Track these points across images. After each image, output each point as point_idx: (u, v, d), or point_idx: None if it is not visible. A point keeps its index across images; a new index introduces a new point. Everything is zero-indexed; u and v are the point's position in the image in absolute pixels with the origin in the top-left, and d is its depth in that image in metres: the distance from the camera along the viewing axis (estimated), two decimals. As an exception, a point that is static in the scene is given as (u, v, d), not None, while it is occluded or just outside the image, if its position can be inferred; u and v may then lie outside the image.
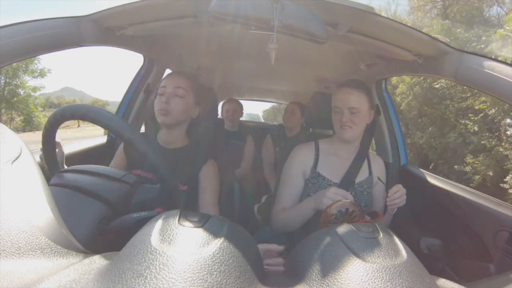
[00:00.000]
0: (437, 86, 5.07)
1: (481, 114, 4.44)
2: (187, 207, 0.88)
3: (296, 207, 0.90)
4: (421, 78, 5.35)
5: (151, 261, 0.28)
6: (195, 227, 0.34)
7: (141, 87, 1.39)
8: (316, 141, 1.00)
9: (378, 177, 0.95)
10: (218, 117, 1.86)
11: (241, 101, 2.19)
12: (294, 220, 0.88)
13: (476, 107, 4.45)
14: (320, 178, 0.92)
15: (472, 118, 4.54)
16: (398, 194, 0.80)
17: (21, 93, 11.40)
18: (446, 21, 5.65)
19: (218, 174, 0.95)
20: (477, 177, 4.38)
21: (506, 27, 3.84)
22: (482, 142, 4.36)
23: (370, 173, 0.97)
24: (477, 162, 4.38)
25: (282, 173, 0.99)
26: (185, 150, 0.94)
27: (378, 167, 1.00)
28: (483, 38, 4.67)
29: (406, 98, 5.72)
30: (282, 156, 1.05)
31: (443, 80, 4.84)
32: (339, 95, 0.92)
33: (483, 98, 4.33)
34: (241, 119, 2.19)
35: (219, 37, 1.16)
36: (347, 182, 0.92)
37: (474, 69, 0.77)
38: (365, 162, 0.97)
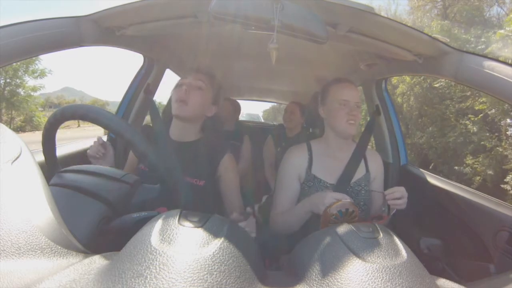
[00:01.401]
0: (437, 85, 5.07)
1: (481, 114, 4.44)
2: (204, 203, 0.86)
3: (292, 210, 0.89)
4: (421, 78, 5.34)
5: (151, 261, 0.28)
6: (195, 227, 0.34)
7: (141, 87, 1.39)
8: (308, 142, 0.98)
9: (373, 190, 0.95)
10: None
11: (241, 101, 2.19)
12: (291, 223, 0.87)
13: (476, 108, 4.45)
14: (316, 181, 0.91)
15: (472, 118, 4.53)
16: (398, 194, 0.79)
17: (21, 93, 11.40)
18: (446, 21, 5.66)
19: (236, 169, 0.94)
20: (477, 178, 4.38)
21: (507, 28, 3.84)
22: (482, 142, 4.36)
23: (367, 170, 0.96)
24: (477, 162, 4.38)
25: (278, 177, 0.97)
26: (200, 143, 0.91)
27: (375, 164, 0.98)
28: (482, 39, 4.67)
29: (407, 99, 5.71)
30: (283, 156, 1.05)
31: (443, 80, 4.84)
32: (346, 90, 0.91)
33: (483, 99, 4.33)
34: (241, 119, 2.19)
35: (219, 37, 1.16)
36: (343, 183, 0.91)
37: (474, 69, 0.77)
38: (362, 160, 0.96)
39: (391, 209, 0.82)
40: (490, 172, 4.19)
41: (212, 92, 0.91)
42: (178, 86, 0.89)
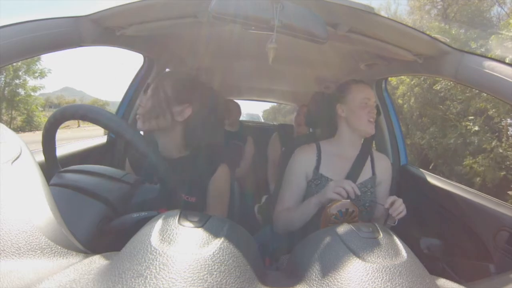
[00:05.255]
0: (438, 87, 5.05)
1: (484, 116, 4.43)
2: None
3: (299, 206, 0.90)
4: (421, 79, 5.34)
5: (151, 261, 0.28)
6: (195, 227, 0.34)
7: (141, 87, 1.39)
8: (317, 142, 0.99)
9: (375, 201, 0.94)
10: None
11: (241, 101, 2.20)
12: (296, 220, 0.88)
13: (478, 105, 4.44)
14: (323, 179, 0.92)
15: (477, 121, 4.51)
16: (398, 203, 0.78)
17: (22, 93, 11.41)
18: (443, 24, 5.65)
19: (229, 180, 0.87)
20: (477, 179, 4.37)
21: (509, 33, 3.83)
22: (484, 145, 4.33)
23: (373, 173, 0.97)
24: (476, 163, 4.37)
25: (284, 175, 0.99)
26: (189, 159, 0.84)
27: (382, 168, 0.99)
28: (480, 41, 4.67)
29: (408, 100, 5.71)
30: (288, 155, 1.05)
31: (443, 82, 4.84)
32: (367, 90, 0.95)
33: (485, 97, 4.31)
34: (241, 119, 2.19)
35: (219, 37, 1.16)
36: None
37: (474, 69, 0.77)
38: (369, 162, 0.97)
39: (390, 218, 0.79)
40: (489, 173, 4.17)
41: (162, 97, 0.82)
42: None
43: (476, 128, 4.42)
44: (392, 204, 0.78)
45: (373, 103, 0.94)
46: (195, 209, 0.81)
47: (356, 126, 0.94)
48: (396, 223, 0.82)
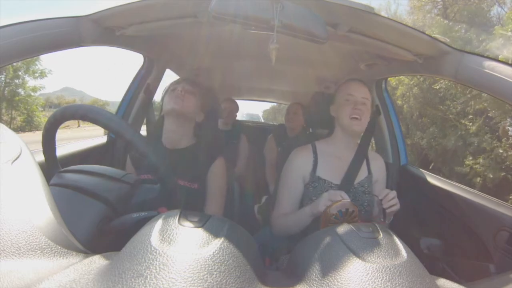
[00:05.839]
0: (437, 87, 5.05)
1: (484, 116, 4.44)
2: (198, 205, 0.90)
3: (295, 213, 0.89)
4: (420, 79, 5.34)
5: (151, 261, 0.28)
6: (195, 227, 0.34)
7: (141, 87, 1.39)
8: (313, 143, 0.98)
9: (375, 195, 0.92)
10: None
11: (241, 101, 2.20)
12: (292, 226, 0.88)
13: (477, 107, 4.44)
14: (320, 181, 0.91)
15: (476, 121, 4.50)
16: (391, 195, 0.78)
17: (22, 93, 11.41)
18: (446, 21, 5.66)
19: (226, 172, 0.98)
20: (478, 179, 4.37)
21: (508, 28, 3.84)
22: (484, 145, 4.33)
23: (369, 172, 0.96)
24: (477, 163, 4.37)
25: (281, 178, 0.98)
26: (193, 148, 0.96)
27: (377, 167, 0.99)
28: (480, 38, 4.68)
29: (407, 100, 5.70)
30: (284, 156, 1.05)
31: (442, 82, 4.84)
32: (352, 86, 0.93)
33: (485, 98, 4.31)
34: (241, 119, 2.19)
35: (219, 37, 1.16)
36: (347, 183, 0.91)
37: (474, 69, 0.77)
38: (364, 162, 0.97)
39: (387, 214, 0.80)
40: (490, 173, 4.17)
41: (201, 99, 0.98)
42: (171, 90, 0.94)
43: (474, 128, 4.42)
44: (386, 195, 0.78)
45: (358, 99, 0.90)
46: (197, 196, 0.89)
47: (341, 123, 0.93)
48: (391, 220, 0.82)
